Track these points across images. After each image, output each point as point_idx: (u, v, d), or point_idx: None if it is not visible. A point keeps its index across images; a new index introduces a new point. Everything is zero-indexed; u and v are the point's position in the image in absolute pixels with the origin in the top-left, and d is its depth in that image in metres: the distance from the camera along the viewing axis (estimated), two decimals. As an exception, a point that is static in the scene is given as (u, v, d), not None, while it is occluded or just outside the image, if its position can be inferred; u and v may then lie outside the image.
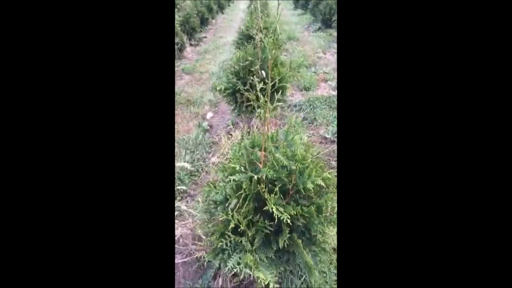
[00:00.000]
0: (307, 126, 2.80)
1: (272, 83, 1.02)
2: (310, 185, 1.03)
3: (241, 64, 2.47)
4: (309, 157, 1.17)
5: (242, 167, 1.08)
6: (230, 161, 1.15)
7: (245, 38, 3.41)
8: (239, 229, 1.02)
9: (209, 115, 3.04)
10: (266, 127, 1.11)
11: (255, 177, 1.01)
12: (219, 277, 1.37)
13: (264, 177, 1.05)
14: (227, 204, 1.07)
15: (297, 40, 5.90)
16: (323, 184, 1.07)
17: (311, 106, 3.10)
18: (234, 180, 1.08)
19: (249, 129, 2.49)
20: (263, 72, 2.51)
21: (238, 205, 1.03)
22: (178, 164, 1.68)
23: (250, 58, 2.49)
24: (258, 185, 1.08)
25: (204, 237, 1.35)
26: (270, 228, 1.05)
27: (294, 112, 3.03)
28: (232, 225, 1.01)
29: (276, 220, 1.03)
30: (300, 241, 1.05)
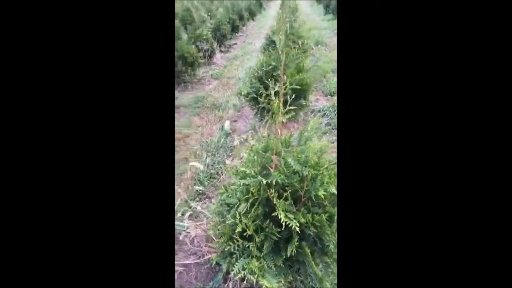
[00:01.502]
0: (330, 132, 2.71)
1: (285, 86, 1.00)
2: (321, 193, 0.99)
3: (264, 69, 2.48)
4: (325, 163, 1.13)
5: (252, 171, 1.07)
6: (243, 164, 1.15)
7: (271, 43, 3.43)
8: (245, 234, 1.01)
9: (227, 123, 3.03)
10: (279, 131, 1.09)
11: (264, 181, 0.99)
12: (229, 281, 1.36)
13: (274, 182, 1.03)
14: (235, 207, 1.06)
15: (325, 45, 5.80)
16: (336, 192, 1.02)
17: (336, 112, 3.00)
18: (244, 184, 1.08)
19: (268, 134, 2.47)
20: (285, 77, 2.50)
21: (245, 209, 1.02)
22: (190, 163, 1.71)
23: (273, 63, 2.49)
24: (268, 190, 1.06)
25: (215, 239, 1.36)
26: (278, 235, 1.02)
27: (318, 117, 2.95)
28: (239, 229, 1.01)
29: (288, 227, 1.00)
30: (308, 250, 1.00)
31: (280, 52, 0.97)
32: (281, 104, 1.00)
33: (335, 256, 1.11)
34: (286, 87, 0.99)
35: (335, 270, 1.13)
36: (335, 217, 1.03)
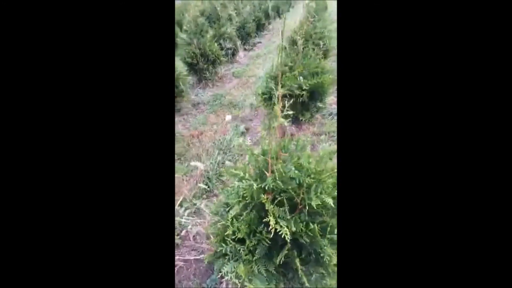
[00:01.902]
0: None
1: (283, 88, 0.97)
2: (315, 202, 0.95)
3: (280, 69, 2.44)
4: (325, 172, 1.08)
5: (247, 174, 1.06)
6: (237, 167, 1.14)
7: (291, 43, 3.37)
8: (235, 237, 1.00)
9: (228, 117, 3.04)
10: (277, 135, 1.06)
11: (255, 186, 0.97)
12: (225, 281, 1.36)
13: (267, 187, 1.01)
14: (227, 209, 1.06)
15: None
16: (332, 204, 0.97)
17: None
18: (238, 186, 1.07)
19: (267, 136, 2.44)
20: (301, 77, 2.44)
21: (237, 212, 1.01)
22: (192, 163, 1.74)
23: (290, 64, 2.44)
24: (262, 195, 1.04)
25: (212, 238, 1.37)
26: (268, 241, 1.00)
27: (335, 120, 2.85)
28: (229, 231, 1.00)
29: (282, 234, 0.97)
30: (298, 259, 0.97)
31: (280, 54, 0.94)
32: (277, 107, 0.97)
33: (330, 269, 1.07)
34: (285, 89, 0.96)
35: (330, 283, 1.09)
36: (328, 228, 0.98)
